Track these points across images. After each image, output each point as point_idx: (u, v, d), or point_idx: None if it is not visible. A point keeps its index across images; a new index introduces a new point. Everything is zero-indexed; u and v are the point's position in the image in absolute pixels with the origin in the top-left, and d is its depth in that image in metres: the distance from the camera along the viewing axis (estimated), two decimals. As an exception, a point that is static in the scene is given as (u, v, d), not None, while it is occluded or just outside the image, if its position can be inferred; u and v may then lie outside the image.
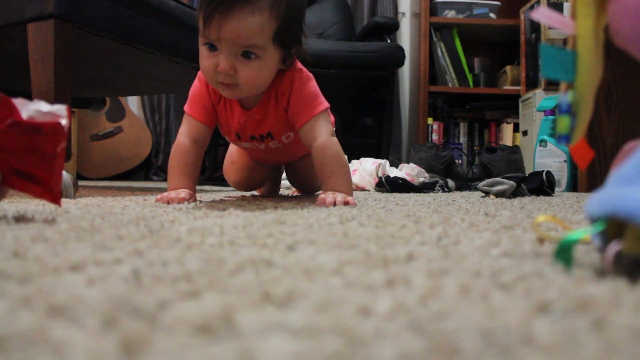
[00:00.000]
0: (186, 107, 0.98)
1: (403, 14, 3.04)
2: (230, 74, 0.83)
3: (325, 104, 0.95)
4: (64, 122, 0.55)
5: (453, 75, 2.82)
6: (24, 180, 0.56)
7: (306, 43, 0.93)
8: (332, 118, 1.13)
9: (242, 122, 0.97)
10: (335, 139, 0.95)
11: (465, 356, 0.18)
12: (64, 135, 0.55)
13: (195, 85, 0.98)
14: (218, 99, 0.97)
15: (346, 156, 1.14)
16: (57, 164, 0.56)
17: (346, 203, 0.86)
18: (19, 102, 0.54)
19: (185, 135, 0.95)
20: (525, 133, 2.47)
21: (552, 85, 2.29)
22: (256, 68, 0.84)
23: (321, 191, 0.93)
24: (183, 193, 0.88)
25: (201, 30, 0.83)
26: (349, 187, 0.93)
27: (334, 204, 0.85)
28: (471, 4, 2.81)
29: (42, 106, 0.55)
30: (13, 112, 0.54)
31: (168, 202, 0.85)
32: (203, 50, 0.85)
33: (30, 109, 0.55)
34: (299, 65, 0.96)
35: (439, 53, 2.82)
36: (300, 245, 0.40)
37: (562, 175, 2.04)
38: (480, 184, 1.29)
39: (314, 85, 0.95)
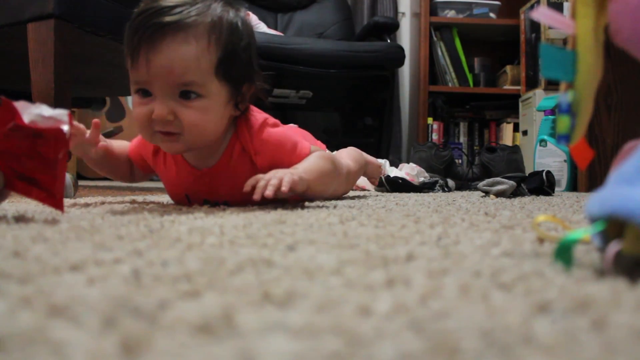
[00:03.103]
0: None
1: (403, 13, 3.04)
2: (168, 120, 0.68)
3: (306, 147, 0.80)
4: (65, 128, 0.55)
5: (453, 75, 2.82)
6: (27, 184, 0.56)
7: (262, 83, 0.78)
8: (324, 146, 1.01)
9: (190, 182, 0.79)
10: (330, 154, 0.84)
11: (465, 356, 0.18)
12: (65, 141, 0.55)
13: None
14: (152, 150, 0.81)
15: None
16: (59, 170, 0.56)
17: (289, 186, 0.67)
18: (20, 106, 0.54)
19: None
20: (525, 133, 2.47)
21: (552, 85, 2.29)
22: (200, 109, 0.68)
23: None
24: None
25: (130, 74, 0.70)
26: (313, 173, 0.75)
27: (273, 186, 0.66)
28: (471, 3, 2.81)
29: (44, 110, 0.55)
30: (15, 115, 0.53)
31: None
32: (135, 99, 0.70)
33: (32, 112, 0.55)
34: (259, 113, 0.80)
35: (439, 53, 2.82)
36: (300, 245, 0.40)
37: (562, 175, 2.04)
38: (480, 184, 1.29)
39: (283, 132, 0.80)
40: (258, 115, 0.79)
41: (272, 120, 0.80)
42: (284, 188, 0.66)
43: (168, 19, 0.66)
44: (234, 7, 0.74)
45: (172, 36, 0.66)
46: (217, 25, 0.69)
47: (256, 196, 0.66)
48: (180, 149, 0.73)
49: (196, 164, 0.78)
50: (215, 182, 0.79)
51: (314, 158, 0.79)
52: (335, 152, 1.08)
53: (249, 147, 0.77)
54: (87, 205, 0.78)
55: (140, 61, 0.66)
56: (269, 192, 0.65)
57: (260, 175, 0.69)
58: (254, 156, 0.78)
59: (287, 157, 0.78)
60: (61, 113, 0.55)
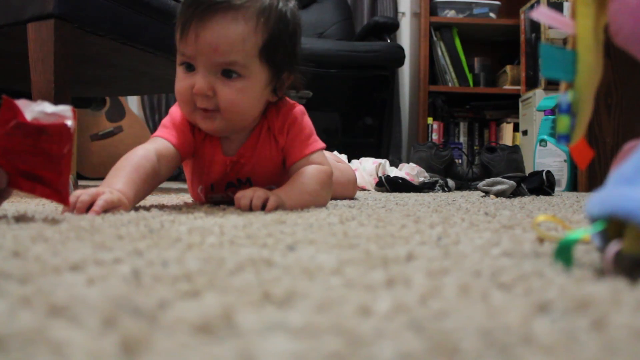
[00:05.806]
0: (155, 133, 0.78)
1: (403, 13, 3.04)
2: (208, 95, 0.70)
3: (319, 144, 0.82)
4: (69, 123, 0.55)
5: (453, 75, 2.82)
6: (31, 182, 0.56)
7: (300, 75, 0.80)
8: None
9: (225, 172, 0.81)
10: (327, 168, 0.80)
11: (465, 356, 0.18)
12: (69, 136, 0.55)
13: (176, 112, 0.79)
14: (203, 136, 0.79)
15: (345, 156, 1.10)
16: (63, 165, 0.56)
17: (269, 206, 0.68)
18: (22, 104, 0.54)
19: (147, 147, 0.73)
20: (525, 133, 2.47)
21: (552, 85, 2.29)
22: (239, 89, 0.71)
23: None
24: (107, 195, 0.60)
25: (178, 46, 0.73)
26: (298, 197, 0.74)
27: (251, 203, 0.68)
28: (471, 3, 2.81)
29: (46, 107, 0.55)
30: (17, 113, 0.53)
31: (75, 209, 0.59)
32: (179, 72, 0.73)
33: (34, 110, 0.55)
34: (291, 100, 0.84)
35: (439, 53, 2.82)
36: (300, 245, 0.40)
37: (562, 175, 2.04)
38: (480, 184, 1.29)
39: (308, 121, 0.84)
40: (289, 100, 0.84)
41: (302, 107, 0.84)
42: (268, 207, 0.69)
43: None
44: None
45: (222, 14, 0.69)
46: (266, 10, 0.72)
47: (239, 205, 0.69)
48: (217, 127, 0.74)
49: (228, 151, 0.80)
50: (241, 164, 0.81)
51: (308, 179, 0.77)
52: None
53: (274, 125, 0.80)
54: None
55: (190, 35, 0.70)
56: (254, 208, 0.69)
57: (248, 193, 0.69)
58: (278, 135, 0.81)
59: (300, 143, 0.81)
60: (65, 109, 0.55)
